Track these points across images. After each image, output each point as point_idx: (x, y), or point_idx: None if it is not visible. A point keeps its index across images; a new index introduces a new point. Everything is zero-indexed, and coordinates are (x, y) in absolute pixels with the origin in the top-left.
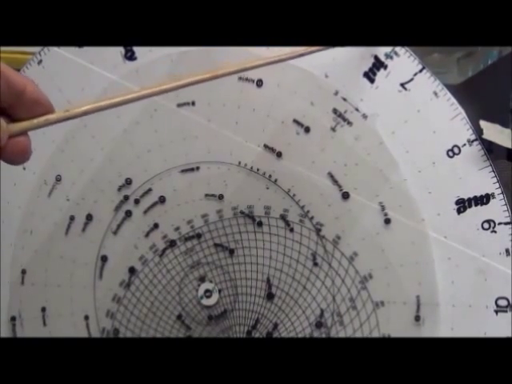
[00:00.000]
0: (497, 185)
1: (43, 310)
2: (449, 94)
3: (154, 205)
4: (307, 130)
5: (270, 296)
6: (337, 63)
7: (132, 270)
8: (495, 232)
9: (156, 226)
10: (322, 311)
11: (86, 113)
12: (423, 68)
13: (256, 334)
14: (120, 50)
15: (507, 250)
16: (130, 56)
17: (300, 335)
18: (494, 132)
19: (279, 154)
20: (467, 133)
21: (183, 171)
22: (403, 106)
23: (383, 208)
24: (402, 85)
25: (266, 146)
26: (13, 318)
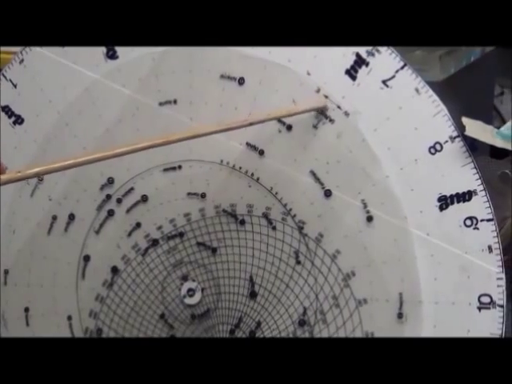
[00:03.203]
0: (479, 182)
1: (26, 310)
2: (431, 91)
3: (136, 204)
4: (289, 127)
5: (252, 294)
6: (318, 61)
7: (115, 270)
8: (478, 229)
9: (138, 225)
10: (305, 309)
11: (37, 174)
12: (405, 65)
13: (239, 333)
14: (102, 49)
15: (489, 247)
16: (111, 55)
17: (283, 333)
18: (476, 129)
19: (261, 152)
20: (449, 130)
21: (165, 170)
22: (385, 103)
23: (365, 205)
24: (384, 82)
25: (248, 144)
26: None
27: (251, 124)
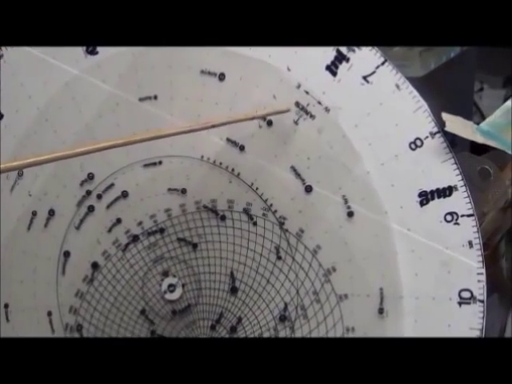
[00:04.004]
0: (459, 177)
1: (6, 306)
2: (411, 87)
3: (116, 200)
4: (270, 123)
5: (233, 290)
6: (299, 56)
7: (95, 266)
8: (458, 224)
9: (119, 220)
10: (286, 305)
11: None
12: (385, 61)
13: (220, 329)
14: None
15: (470, 242)
16: (91, 50)
17: (264, 329)
18: (456, 125)
19: (242, 148)
20: (430, 125)
21: (146, 166)
22: (366, 98)
23: (346, 201)
24: (365, 78)
25: (228, 140)
26: None
27: (213, 126)
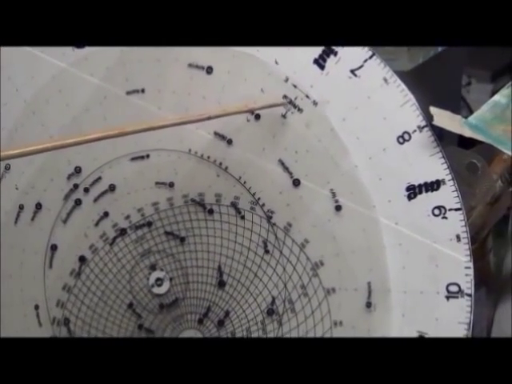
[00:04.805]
0: (447, 171)
1: None
2: (399, 81)
3: (103, 193)
4: (257, 117)
5: (221, 284)
6: (287, 50)
7: (82, 259)
8: (446, 218)
9: (106, 214)
10: (274, 298)
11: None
12: (373, 54)
13: (207, 322)
14: None
15: (458, 236)
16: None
17: (251, 323)
18: (444, 118)
19: (230, 142)
20: (417, 119)
21: (133, 159)
22: (353, 92)
23: (334, 195)
24: (352, 71)
25: (216, 134)
26: None
27: (210, 118)
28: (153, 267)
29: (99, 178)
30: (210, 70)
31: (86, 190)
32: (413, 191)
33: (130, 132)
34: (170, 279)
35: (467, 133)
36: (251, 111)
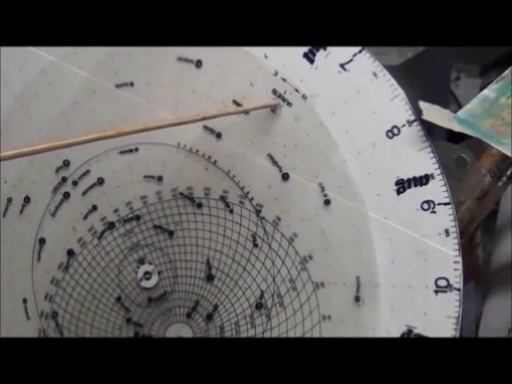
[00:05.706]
0: (436, 165)
1: None
2: (388, 75)
3: (92, 186)
4: (246, 111)
5: (209, 277)
6: None
7: (70, 253)
8: (435, 212)
9: (95, 207)
10: (262, 292)
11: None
12: (363, 49)
13: (196, 316)
14: None
15: (447, 231)
16: None
17: (240, 316)
18: (433, 113)
19: (219, 135)
20: (407, 114)
21: (122, 152)
22: (343, 86)
23: (323, 189)
24: (342, 65)
25: (205, 127)
26: None
27: (204, 118)
28: (141, 261)
29: (88, 172)
30: (199, 64)
31: (75, 183)
32: (402, 185)
33: (127, 133)
34: (159, 273)
35: (456, 127)
36: (245, 112)
